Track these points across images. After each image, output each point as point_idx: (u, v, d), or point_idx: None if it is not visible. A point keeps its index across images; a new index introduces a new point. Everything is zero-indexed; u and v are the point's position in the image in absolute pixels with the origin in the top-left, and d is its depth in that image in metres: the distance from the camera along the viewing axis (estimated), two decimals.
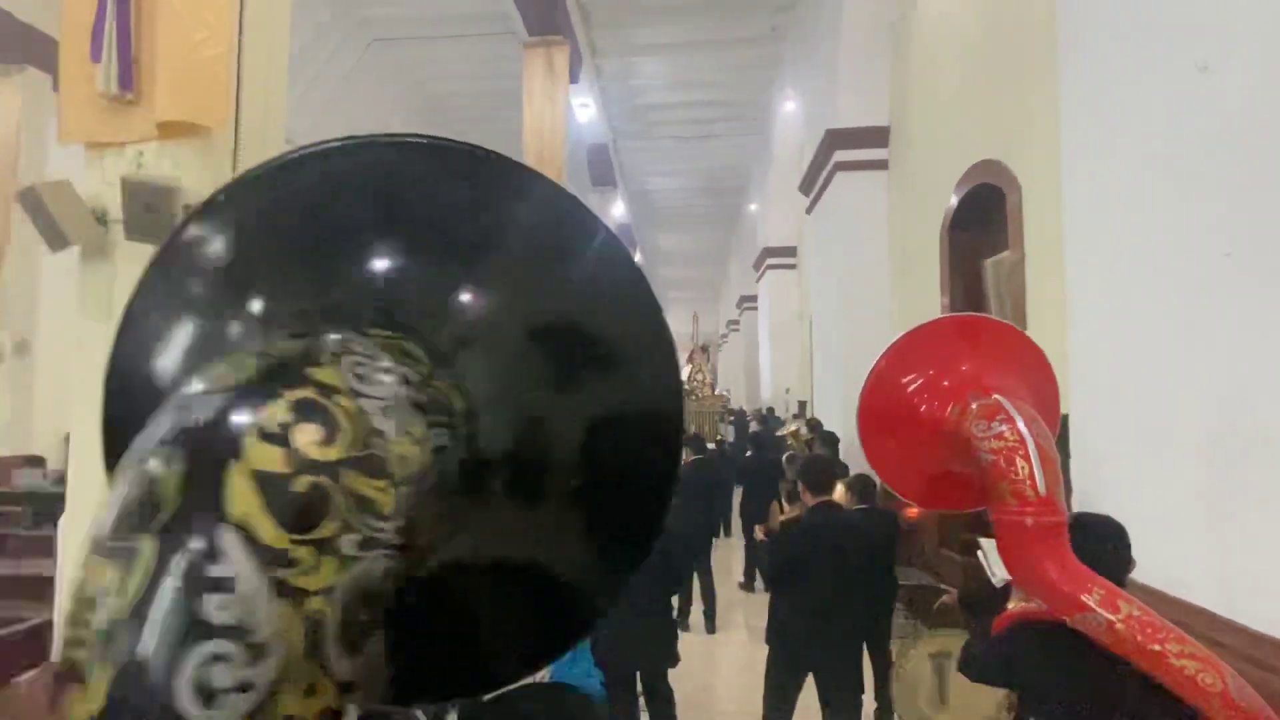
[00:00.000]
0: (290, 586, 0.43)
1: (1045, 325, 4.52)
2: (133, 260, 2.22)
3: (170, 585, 0.42)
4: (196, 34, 2.06)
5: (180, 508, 0.45)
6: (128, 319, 0.73)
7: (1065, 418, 3.91)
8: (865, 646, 3.43)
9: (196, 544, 0.43)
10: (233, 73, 2.20)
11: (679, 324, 32.41)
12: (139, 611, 0.42)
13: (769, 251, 13.32)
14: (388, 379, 0.56)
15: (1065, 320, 3.23)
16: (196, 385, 0.52)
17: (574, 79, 9.41)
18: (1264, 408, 2.11)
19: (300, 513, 0.45)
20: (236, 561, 0.43)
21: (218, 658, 0.41)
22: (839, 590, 3.10)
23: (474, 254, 0.66)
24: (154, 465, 0.47)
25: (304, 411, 0.48)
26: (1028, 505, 1.43)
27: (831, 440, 5.51)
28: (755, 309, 16.98)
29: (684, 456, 5.59)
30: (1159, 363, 2.50)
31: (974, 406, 1.55)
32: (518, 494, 0.65)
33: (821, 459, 3.39)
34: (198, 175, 2.21)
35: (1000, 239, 5.52)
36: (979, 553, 2.01)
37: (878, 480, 2.63)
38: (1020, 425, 1.45)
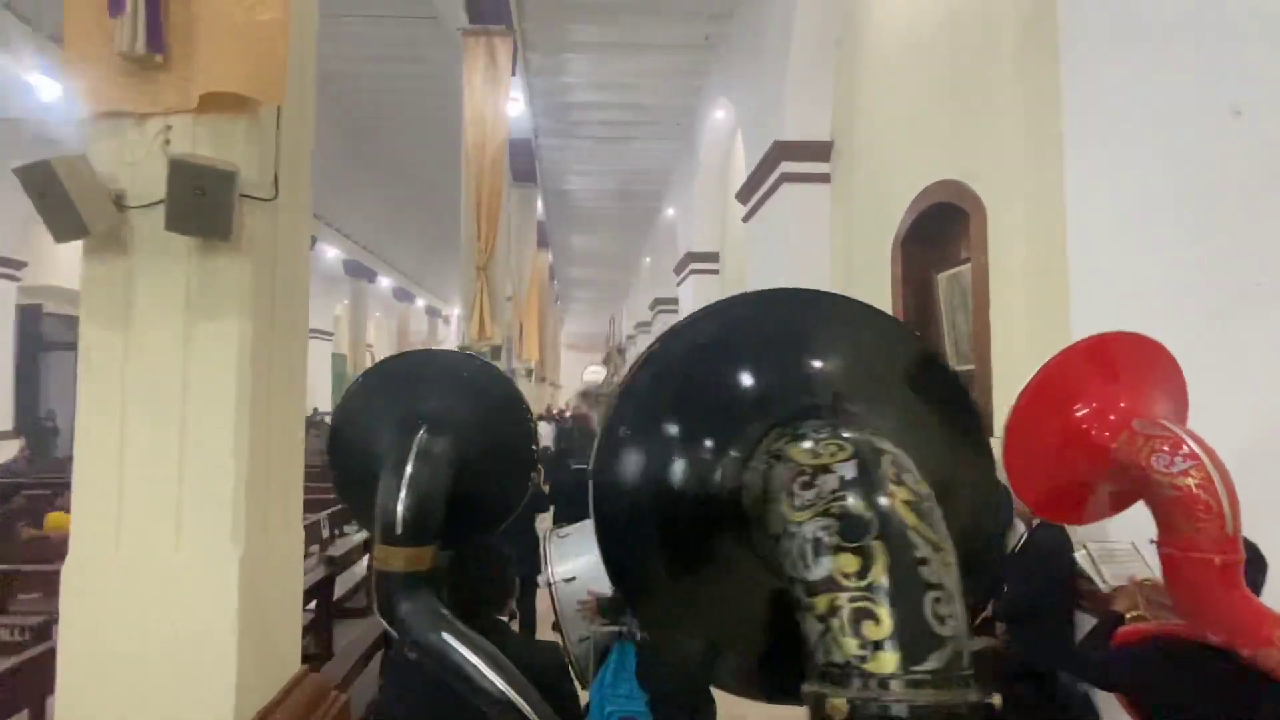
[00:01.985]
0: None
1: (1008, 336, 4.83)
2: (154, 254, 1.86)
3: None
4: None
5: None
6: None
7: None
8: None
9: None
10: (288, 42, 1.90)
11: (586, 325, 32.35)
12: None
13: (692, 256, 13.48)
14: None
15: (1049, 335, 3.42)
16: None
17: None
18: None
19: None
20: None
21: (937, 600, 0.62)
22: None
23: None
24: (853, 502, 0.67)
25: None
26: (1216, 545, 1.46)
27: None
28: (671, 311, 17.14)
29: None
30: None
31: (1145, 437, 1.58)
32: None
33: None
34: (242, 157, 1.89)
35: (950, 254, 5.85)
36: (1083, 556, 2.06)
37: None
38: (1208, 465, 1.48)
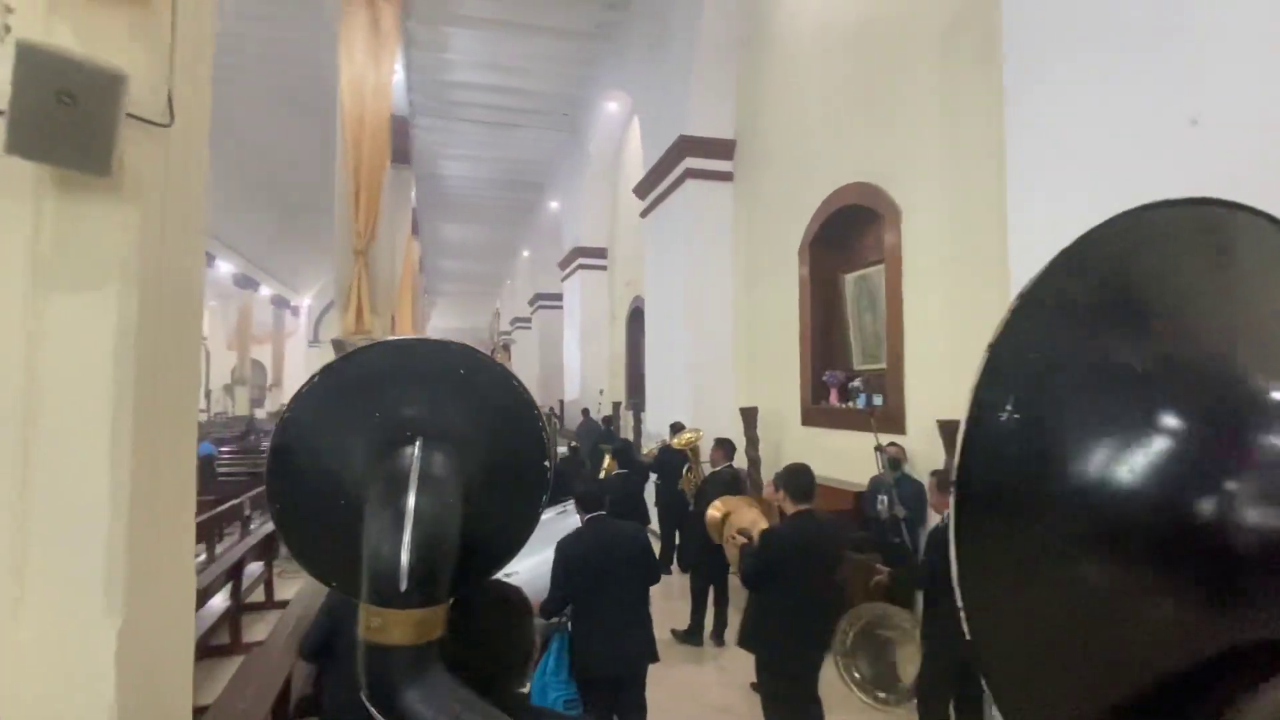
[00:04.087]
0: None
1: (922, 336, 4.95)
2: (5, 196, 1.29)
3: None
4: None
5: None
6: None
7: None
8: None
9: None
10: None
11: (454, 319, 30.87)
12: None
13: (579, 251, 13.12)
14: None
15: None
16: None
17: None
18: None
19: None
20: None
21: None
22: (819, 591, 3.19)
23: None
24: None
25: None
26: None
27: (729, 449, 5.50)
28: (553, 308, 16.68)
29: (614, 467, 5.18)
30: None
31: None
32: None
33: (803, 469, 3.29)
34: (125, 61, 1.35)
35: (858, 255, 5.97)
36: None
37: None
38: None
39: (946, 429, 4.25)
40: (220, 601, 4.78)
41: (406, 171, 13.50)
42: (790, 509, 3.24)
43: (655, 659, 3.23)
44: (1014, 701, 0.55)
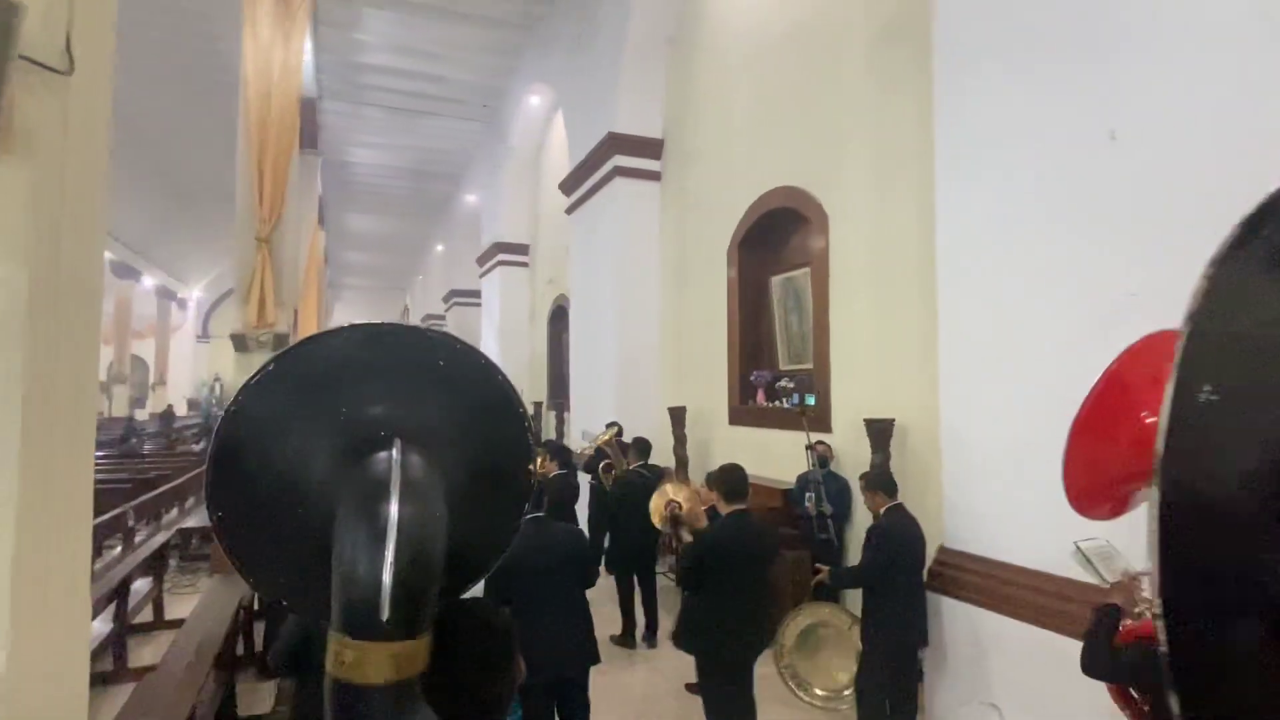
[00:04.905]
0: None
1: (848, 337, 5.08)
2: None
3: None
4: None
5: None
6: None
7: (892, 422, 4.41)
8: None
9: None
10: None
11: (358, 315, 29.41)
12: None
13: (500, 247, 12.78)
14: None
15: (938, 342, 3.59)
16: None
17: None
18: None
19: None
20: None
21: None
22: (755, 590, 3.18)
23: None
24: None
25: None
26: None
27: (644, 447, 5.44)
28: (470, 304, 16.20)
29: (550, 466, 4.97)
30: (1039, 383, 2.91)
31: None
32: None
33: (735, 469, 3.28)
34: None
35: (785, 258, 6.07)
36: (1075, 554, 2.05)
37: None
38: None
39: (873, 427, 4.37)
40: (101, 625, 4.29)
41: (313, 157, 12.74)
42: (724, 509, 3.23)
43: (597, 660, 3.14)
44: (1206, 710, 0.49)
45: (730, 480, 3.24)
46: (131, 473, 9.93)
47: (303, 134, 11.41)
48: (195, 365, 25.64)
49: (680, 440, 6.62)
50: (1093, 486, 1.65)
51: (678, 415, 6.68)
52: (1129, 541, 2.12)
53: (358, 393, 1.05)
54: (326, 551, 0.97)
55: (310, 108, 11.68)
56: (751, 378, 6.16)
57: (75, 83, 1.27)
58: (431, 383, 1.11)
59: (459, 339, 1.16)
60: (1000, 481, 3.17)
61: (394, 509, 0.92)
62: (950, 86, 3.57)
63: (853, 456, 4.96)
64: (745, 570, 3.13)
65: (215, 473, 1.02)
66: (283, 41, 6.82)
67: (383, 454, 1.00)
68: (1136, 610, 1.89)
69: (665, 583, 5.74)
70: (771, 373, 6.11)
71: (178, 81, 12.08)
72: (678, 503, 3.72)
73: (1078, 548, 2.04)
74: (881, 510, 3.34)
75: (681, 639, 3.27)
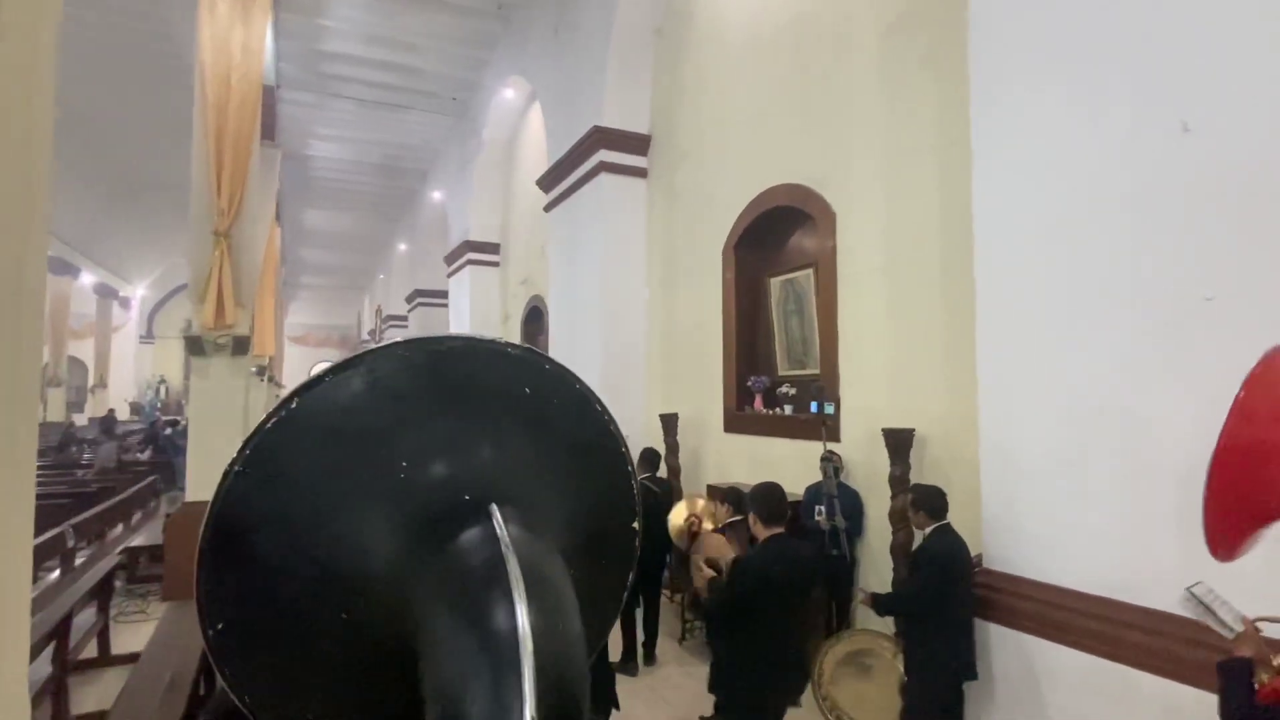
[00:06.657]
0: None
1: (857, 339, 4.86)
2: None
3: None
4: None
5: None
6: None
7: (910, 431, 4.19)
8: None
9: None
10: None
11: (315, 316, 28.37)
12: None
13: (470, 246, 12.31)
14: None
15: (975, 345, 3.38)
16: None
17: None
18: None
19: None
20: None
21: None
22: (801, 622, 2.99)
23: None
24: None
25: None
26: None
27: (650, 458, 5.14)
28: (436, 305, 15.66)
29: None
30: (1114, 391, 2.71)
31: None
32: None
33: (774, 488, 2.99)
34: None
35: (784, 258, 5.84)
36: (1189, 598, 1.81)
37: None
38: None
39: (892, 438, 4.15)
40: (38, 667, 3.78)
41: (273, 149, 12.08)
42: (763, 533, 2.95)
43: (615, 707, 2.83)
44: None
45: (770, 501, 2.95)
46: (70, 485, 9.18)
47: (261, 124, 10.80)
48: (138, 367, 24.25)
49: (672, 449, 6.32)
50: (1239, 527, 1.42)
51: (669, 423, 6.39)
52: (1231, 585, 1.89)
53: (421, 440, 0.71)
54: (387, 680, 0.65)
55: (269, 96, 11.06)
56: (749, 383, 5.91)
57: (9, 19, 0.91)
58: (519, 422, 0.78)
59: (547, 356, 0.82)
60: (1052, 499, 2.96)
61: (522, 618, 0.59)
62: (991, 75, 3.36)
63: (863, 467, 4.74)
64: (790, 601, 2.87)
65: (214, 564, 0.67)
66: (242, 21, 6.31)
67: (475, 530, 0.67)
68: (1277, 663, 1.66)
69: (666, 600, 5.45)
70: (770, 378, 5.86)
71: (121, 65, 11.31)
72: (697, 518, 3.43)
73: (1191, 594, 1.81)
74: (927, 530, 3.10)
75: (717, 684, 2.98)
